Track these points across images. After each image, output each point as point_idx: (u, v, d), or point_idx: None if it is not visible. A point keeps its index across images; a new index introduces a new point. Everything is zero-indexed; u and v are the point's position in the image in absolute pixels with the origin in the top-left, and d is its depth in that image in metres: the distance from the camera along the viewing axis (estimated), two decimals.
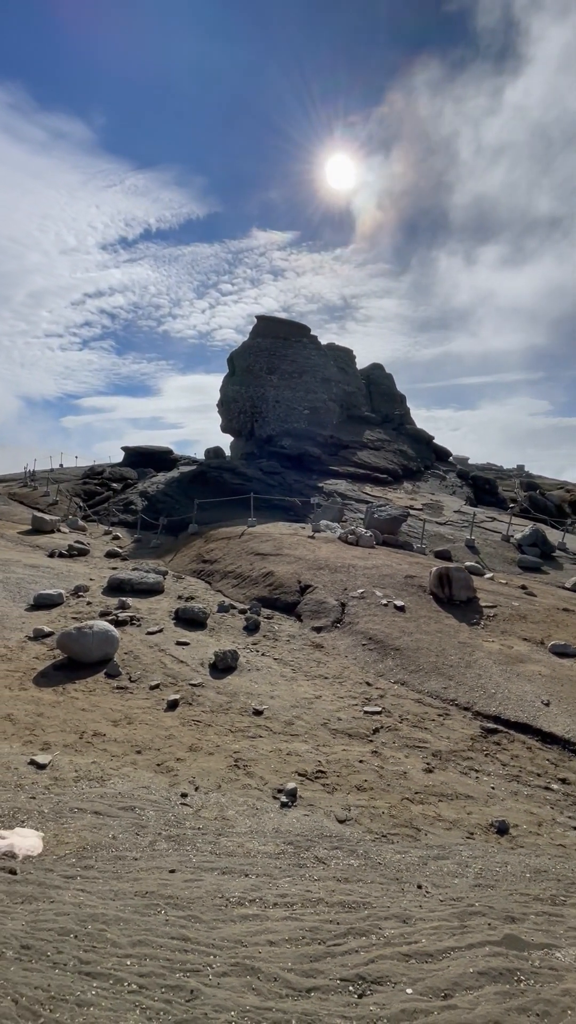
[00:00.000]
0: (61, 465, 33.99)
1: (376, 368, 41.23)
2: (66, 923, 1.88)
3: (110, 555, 13.33)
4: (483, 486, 30.91)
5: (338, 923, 2.15)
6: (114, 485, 26.50)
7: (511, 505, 29.28)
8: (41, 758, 4.04)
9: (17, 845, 2.72)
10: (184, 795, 3.77)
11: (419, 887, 2.73)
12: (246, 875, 2.64)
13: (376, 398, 38.95)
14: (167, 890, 2.36)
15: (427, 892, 2.67)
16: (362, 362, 39.83)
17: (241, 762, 4.32)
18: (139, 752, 4.36)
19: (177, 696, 5.42)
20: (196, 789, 3.88)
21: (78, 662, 6.25)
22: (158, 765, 4.19)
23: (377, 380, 40.02)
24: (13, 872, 2.40)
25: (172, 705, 5.30)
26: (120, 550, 14.12)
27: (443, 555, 13.93)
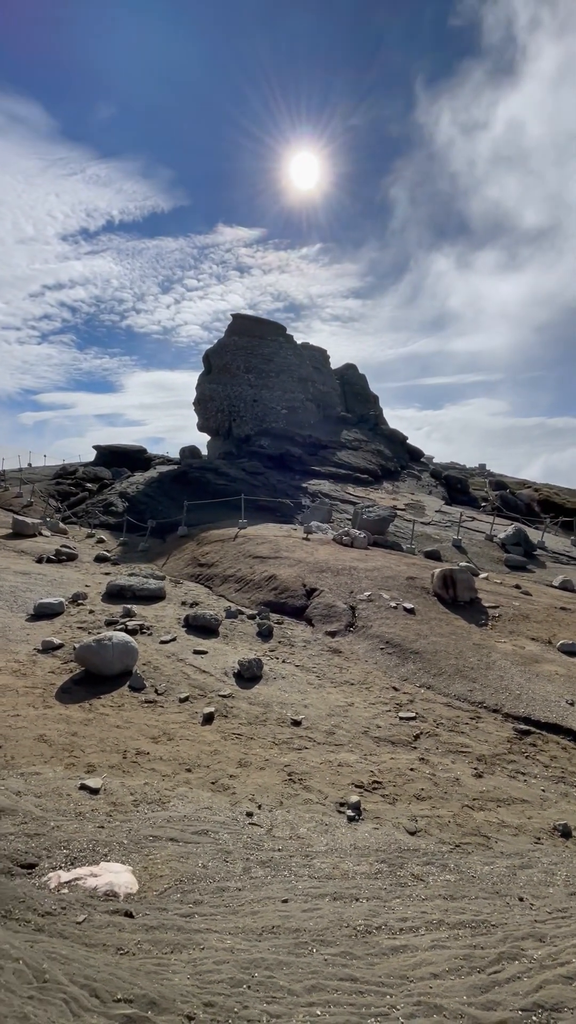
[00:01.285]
0: (30, 464, 32.75)
1: (350, 368, 41.59)
2: (231, 972, 1.78)
3: (99, 559, 12.91)
4: (455, 485, 31.67)
5: (482, 947, 2.14)
6: (89, 485, 25.71)
7: (482, 504, 30.16)
8: (91, 782, 3.85)
9: (115, 883, 2.57)
10: (250, 814, 3.68)
11: (521, 900, 2.75)
12: (356, 899, 2.59)
13: (350, 398, 39.30)
14: (292, 923, 2.29)
15: (531, 905, 2.69)
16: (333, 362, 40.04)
17: (295, 776, 4.26)
18: (189, 770, 4.23)
19: (211, 709, 5.29)
20: (259, 807, 3.79)
21: (98, 675, 6.00)
22: (212, 783, 4.07)
23: (351, 380, 40.38)
24: (129, 915, 2.27)
25: (208, 719, 5.17)
26: (108, 554, 13.69)
27: (433, 555, 14.20)
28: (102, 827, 3.26)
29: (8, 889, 2.15)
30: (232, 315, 34.41)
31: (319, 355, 38.27)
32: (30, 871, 2.64)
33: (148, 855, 2.94)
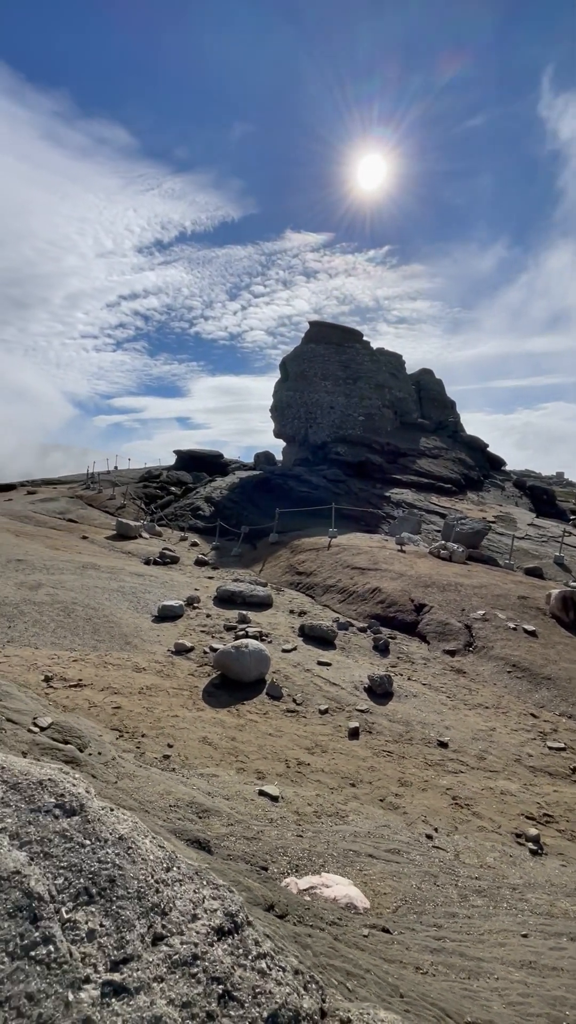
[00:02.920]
0: (116, 467, 34.72)
1: (426, 373, 40.74)
2: (542, 1007, 1.83)
3: (199, 563, 13.47)
4: (541, 496, 30.14)
5: None
6: (173, 489, 26.89)
7: (572, 516, 28.48)
8: (270, 789, 4.04)
9: (350, 896, 2.70)
10: (429, 836, 3.71)
11: None
12: None
13: (426, 404, 38.47)
14: (546, 960, 2.30)
15: None
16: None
17: (460, 800, 4.25)
18: (353, 785, 4.33)
19: (355, 724, 5.39)
20: (436, 830, 3.82)
21: (235, 681, 6.29)
22: (380, 800, 4.15)
23: (427, 386, 39.53)
24: (387, 931, 2.37)
25: (354, 733, 5.27)
26: (204, 557, 14.26)
27: (534, 573, 13.60)
28: (300, 836, 3.42)
29: (287, 895, 2.32)
30: (309, 322, 34.78)
31: (394, 360, 37.79)
32: (263, 875, 2.82)
33: (361, 870, 3.05)
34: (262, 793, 4.00)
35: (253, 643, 6.58)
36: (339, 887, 2.80)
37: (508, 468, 41.04)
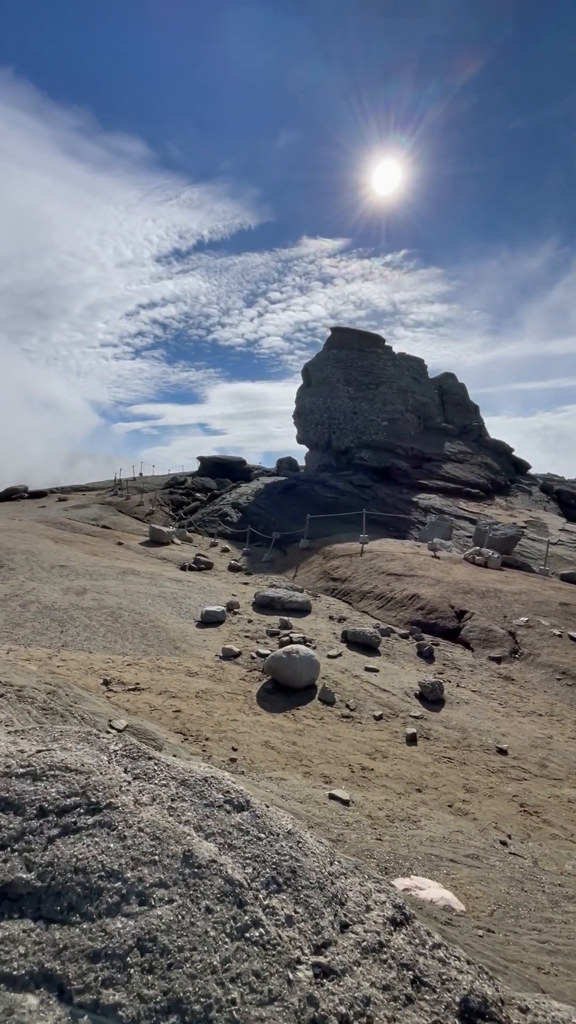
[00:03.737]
0: (141, 474, 35.27)
1: (448, 377, 40.52)
2: None
3: (232, 569, 13.62)
4: (569, 500, 29.67)
5: None
6: (198, 495, 27.21)
7: None
8: (339, 793, 4.11)
9: (446, 898, 2.75)
10: (504, 843, 3.73)
11: None
12: None
13: (449, 408, 38.25)
14: None
15: None
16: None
17: (528, 808, 4.25)
18: (419, 791, 4.37)
19: (412, 730, 5.42)
20: (509, 837, 3.83)
21: (287, 686, 6.37)
22: (449, 806, 4.17)
23: (450, 390, 39.31)
24: (491, 931, 2.41)
25: (411, 739, 5.30)
26: (237, 563, 14.41)
27: (570, 579, 13.41)
28: (380, 839, 3.47)
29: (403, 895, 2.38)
30: (331, 328, 34.95)
31: (416, 365, 37.69)
32: None
33: (448, 874, 3.09)
34: (333, 797, 4.06)
35: (304, 649, 6.66)
36: (432, 890, 2.85)
37: (532, 472, 40.50)
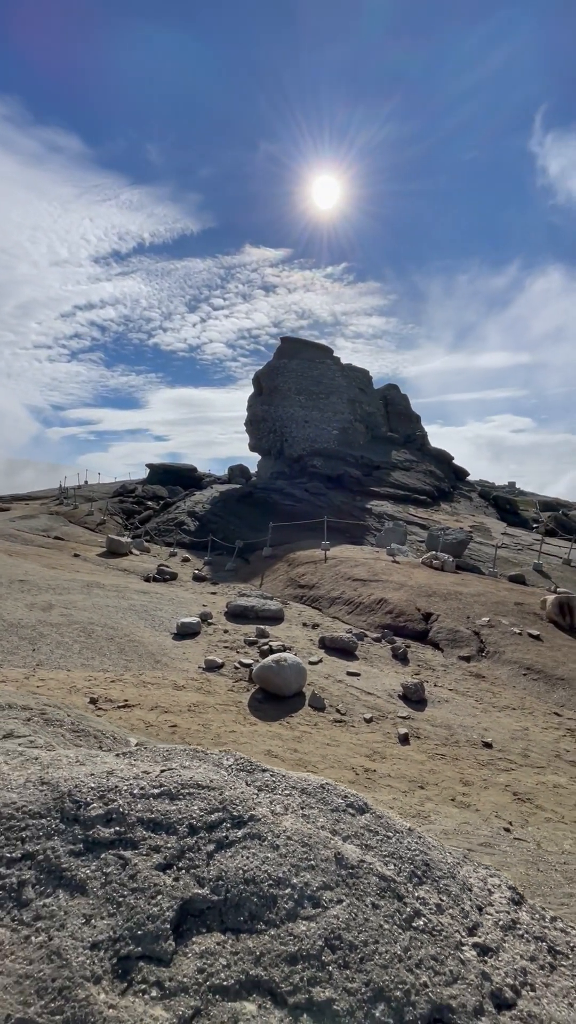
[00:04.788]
0: (86, 482, 33.91)
1: (392, 388, 42.14)
2: None
3: (197, 579, 13.46)
4: (504, 506, 31.67)
5: None
6: (150, 503, 26.57)
7: (534, 525, 30.05)
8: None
9: None
10: (507, 830, 4.01)
11: None
12: None
13: (393, 418, 39.75)
14: None
15: None
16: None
17: (520, 795, 4.57)
18: (422, 788, 4.59)
19: (404, 730, 5.65)
20: (511, 824, 4.12)
21: (276, 695, 6.43)
22: (452, 800, 4.42)
23: (394, 400, 40.87)
24: None
25: (404, 739, 5.53)
26: (200, 572, 14.25)
27: (517, 580, 14.36)
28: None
29: None
30: (282, 338, 35.40)
31: (363, 376, 38.92)
32: None
33: (499, 861, 3.29)
34: None
35: (291, 657, 6.75)
36: None
37: (469, 479, 42.91)
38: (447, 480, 30.69)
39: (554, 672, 7.42)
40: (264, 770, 1.79)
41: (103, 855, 1.37)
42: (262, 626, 9.23)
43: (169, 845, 1.40)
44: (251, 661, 7.44)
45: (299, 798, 1.68)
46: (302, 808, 1.63)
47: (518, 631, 8.83)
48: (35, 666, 6.66)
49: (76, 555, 14.07)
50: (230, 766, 1.78)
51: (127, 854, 1.37)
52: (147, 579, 12.44)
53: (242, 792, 1.61)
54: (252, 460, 36.39)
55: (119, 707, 5.66)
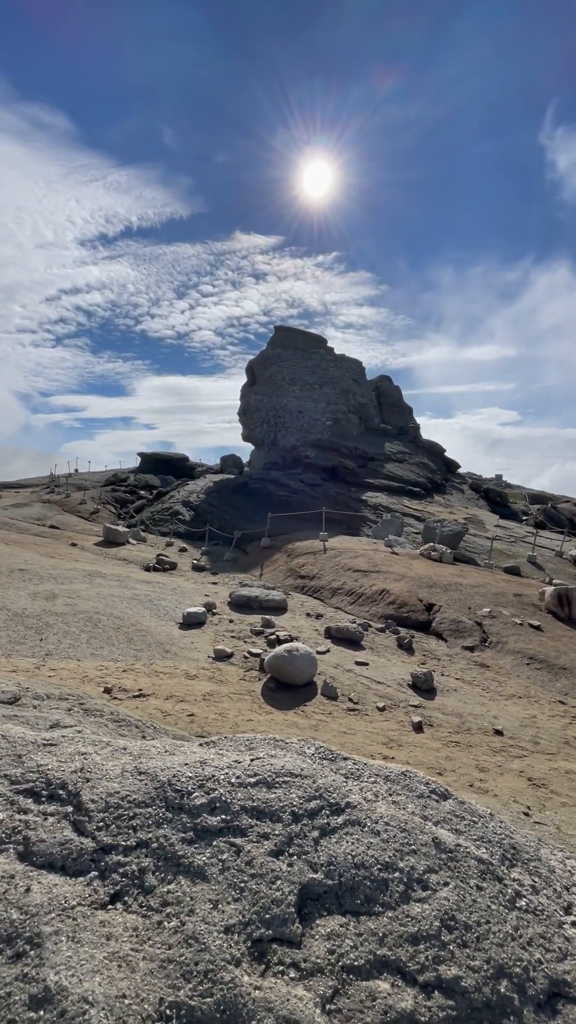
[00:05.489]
0: (76, 471, 33.49)
1: (384, 380, 42.17)
2: None
3: (197, 569, 13.44)
4: (495, 499, 32.04)
5: None
6: (142, 492, 26.36)
7: (524, 518, 30.48)
8: None
9: None
10: (527, 814, 4.12)
11: None
12: None
13: (385, 410, 39.84)
14: None
15: None
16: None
17: (535, 781, 4.70)
18: (440, 774, 4.68)
19: (418, 719, 5.75)
20: (529, 808, 4.23)
21: (288, 684, 6.48)
22: (470, 786, 4.52)
23: (386, 392, 40.93)
24: None
25: (418, 727, 5.63)
26: (198, 562, 14.22)
27: (513, 571, 14.59)
28: None
29: None
30: (276, 327, 35.13)
31: (355, 367, 38.85)
32: None
33: None
34: None
35: (303, 646, 6.80)
36: None
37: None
38: (439, 472, 30.93)
39: (556, 661, 7.60)
40: (345, 758, 1.83)
41: (215, 842, 1.39)
42: (266, 616, 9.26)
43: (276, 832, 1.42)
44: (259, 651, 7.49)
45: (384, 785, 1.72)
46: (390, 795, 1.67)
47: (519, 621, 9.00)
48: (44, 656, 6.62)
49: (73, 544, 13.94)
50: (312, 754, 1.80)
51: (238, 841, 1.39)
52: (147, 568, 12.39)
53: (333, 780, 1.64)
54: (241, 449, 36.29)
55: (134, 696, 5.66)
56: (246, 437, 32.60)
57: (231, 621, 8.93)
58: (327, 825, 1.47)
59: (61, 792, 1.44)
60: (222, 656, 7.27)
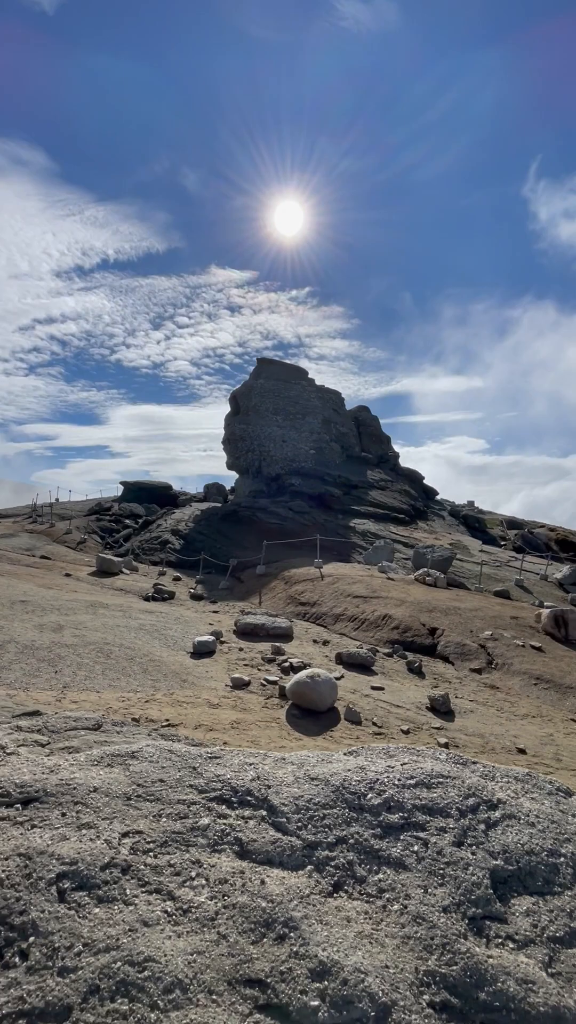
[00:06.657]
0: (57, 500, 32.99)
1: (363, 410, 43.37)
2: None
3: (195, 598, 13.37)
4: (473, 524, 32.94)
5: None
6: (127, 521, 26.13)
7: (502, 543, 31.36)
8: None
9: None
10: None
11: None
12: None
13: (365, 439, 40.85)
14: None
15: None
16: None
17: None
18: None
19: (443, 740, 5.87)
20: None
21: (311, 710, 6.53)
22: None
23: (365, 421, 42.05)
24: None
25: (445, 748, 5.74)
26: (195, 591, 14.16)
27: (503, 595, 15.00)
28: None
29: None
30: (258, 359, 36.00)
31: (335, 397, 39.93)
32: None
33: None
34: None
35: (323, 672, 6.89)
36: None
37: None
38: (420, 499, 31.71)
39: (563, 681, 7.88)
40: (475, 762, 1.99)
41: (401, 836, 1.54)
42: (275, 643, 9.31)
43: (451, 826, 1.58)
44: (275, 678, 7.53)
45: (516, 784, 1.89)
46: (525, 792, 1.84)
47: (520, 643, 9.29)
48: (63, 688, 6.51)
49: (67, 575, 13.71)
50: (446, 759, 1.96)
51: (422, 835, 1.54)
52: (146, 598, 12.28)
53: (477, 780, 1.81)
54: (220, 477, 36.43)
55: (163, 726, 5.63)
56: (231, 465, 32.86)
57: (240, 649, 8.94)
58: (489, 819, 1.63)
59: (249, 798, 1.57)
60: (240, 684, 7.28)
